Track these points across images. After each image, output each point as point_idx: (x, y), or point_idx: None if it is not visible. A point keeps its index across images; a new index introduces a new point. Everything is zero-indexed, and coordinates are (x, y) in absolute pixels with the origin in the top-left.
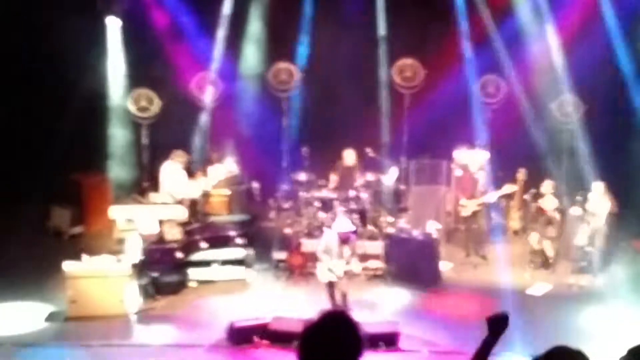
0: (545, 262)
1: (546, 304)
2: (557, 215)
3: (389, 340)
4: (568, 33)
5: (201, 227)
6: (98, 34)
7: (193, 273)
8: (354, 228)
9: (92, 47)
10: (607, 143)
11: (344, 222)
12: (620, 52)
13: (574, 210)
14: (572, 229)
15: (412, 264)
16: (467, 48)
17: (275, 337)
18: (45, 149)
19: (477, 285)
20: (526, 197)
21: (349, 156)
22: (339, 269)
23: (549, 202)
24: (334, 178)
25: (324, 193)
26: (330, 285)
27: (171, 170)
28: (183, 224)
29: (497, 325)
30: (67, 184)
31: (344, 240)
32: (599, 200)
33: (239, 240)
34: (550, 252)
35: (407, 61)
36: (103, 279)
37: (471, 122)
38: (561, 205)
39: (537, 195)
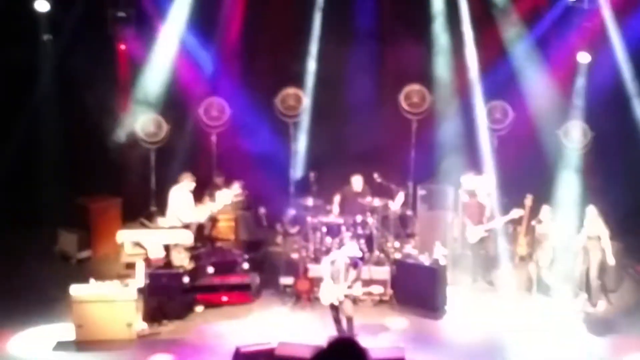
0: (545, 289)
1: (552, 331)
2: (554, 241)
3: None
4: (576, 59)
5: (208, 252)
6: (107, 58)
7: (199, 298)
8: (360, 253)
9: (102, 72)
10: (615, 169)
11: (352, 247)
12: (628, 77)
13: (579, 236)
14: (576, 255)
15: (419, 290)
16: (474, 74)
17: None
18: (53, 172)
19: (483, 311)
20: (533, 222)
21: (357, 182)
22: (341, 292)
23: (546, 228)
24: (337, 200)
25: (331, 218)
26: (334, 309)
27: (179, 194)
28: (190, 249)
29: None
30: (74, 208)
31: (353, 265)
32: (595, 223)
33: (245, 265)
34: (549, 278)
35: (414, 87)
36: (110, 303)
37: (478, 147)
38: (563, 230)
39: (540, 221)
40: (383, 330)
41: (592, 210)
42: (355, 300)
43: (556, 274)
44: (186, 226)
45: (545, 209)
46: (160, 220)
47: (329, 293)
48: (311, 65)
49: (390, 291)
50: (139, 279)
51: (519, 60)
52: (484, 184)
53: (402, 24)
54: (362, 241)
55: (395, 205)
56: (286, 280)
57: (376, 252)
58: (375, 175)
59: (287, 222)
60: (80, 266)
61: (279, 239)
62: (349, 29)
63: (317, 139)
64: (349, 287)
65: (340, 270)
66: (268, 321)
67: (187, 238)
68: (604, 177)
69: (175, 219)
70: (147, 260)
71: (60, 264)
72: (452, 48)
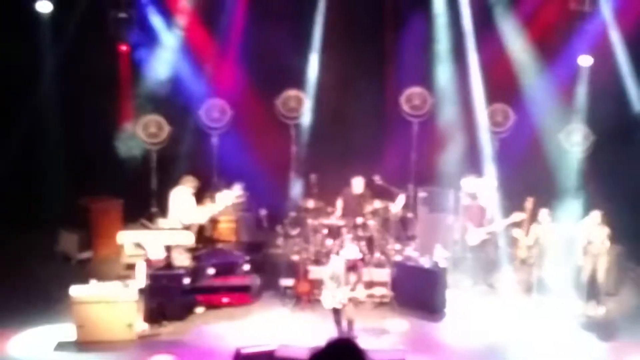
0: (547, 291)
1: (552, 334)
2: (554, 243)
3: None
4: (577, 63)
5: (208, 253)
6: (108, 60)
7: (200, 299)
8: (360, 255)
9: (102, 73)
10: (617, 172)
11: (351, 249)
12: (629, 81)
13: (581, 240)
14: (576, 258)
15: (419, 292)
16: (476, 76)
17: None
18: (54, 173)
19: (483, 313)
20: (533, 225)
21: (358, 184)
22: (344, 295)
23: (547, 231)
24: (340, 204)
25: (332, 220)
26: (336, 312)
27: (180, 195)
28: (190, 250)
29: None
30: (75, 209)
31: (351, 267)
32: (598, 228)
33: (246, 267)
34: (549, 281)
35: (415, 90)
36: (111, 304)
37: (479, 150)
38: (564, 233)
39: (539, 224)
40: (383, 333)
41: (595, 215)
42: (356, 302)
43: (556, 277)
44: (187, 227)
45: (543, 212)
46: (161, 222)
47: (331, 297)
48: (313, 67)
49: (390, 293)
50: (140, 279)
51: (520, 63)
52: (485, 187)
53: (405, 25)
54: (363, 243)
55: (396, 207)
56: (286, 282)
57: (377, 254)
58: (376, 178)
59: (287, 223)
60: (81, 267)
61: (280, 241)
62: (351, 30)
63: (318, 140)
64: (351, 290)
65: (341, 274)
66: (268, 323)
67: (188, 239)
68: (605, 180)
69: (176, 220)
70: (148, 261)
71: (61, 265)
72: (453, 50)
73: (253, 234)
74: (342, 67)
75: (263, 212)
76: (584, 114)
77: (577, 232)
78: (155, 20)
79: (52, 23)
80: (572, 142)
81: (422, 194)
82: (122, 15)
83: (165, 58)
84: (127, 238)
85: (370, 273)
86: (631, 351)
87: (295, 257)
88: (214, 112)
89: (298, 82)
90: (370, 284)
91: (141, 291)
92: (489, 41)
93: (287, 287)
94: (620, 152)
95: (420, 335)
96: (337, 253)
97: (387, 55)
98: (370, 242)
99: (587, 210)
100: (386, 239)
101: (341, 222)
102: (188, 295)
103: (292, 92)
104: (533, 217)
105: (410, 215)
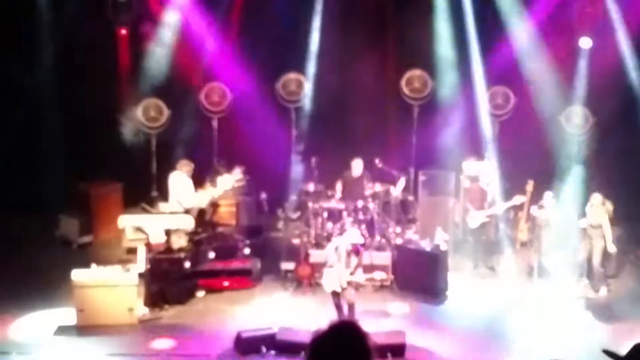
0: (547, 273)
1: (553, 316)
2: (555, 225)
3: (396, 351)
4: (578, 44)
5: (209, 237)
6: (107, 44)
7: (201, 283)
8: (362, 240)
9: (101, 57)
10: (617, 154)
11: (355, 234)
12: (630, 62)
13: (581, 222)
14: (577, 240)
15: (420, 275)
16: (477, 58)
17: (283, 347)
18: (54, 158)
19: (484, 296)
20: (533, 208)
21: (357, 166)
22: (344, 278)
23: (548, 213)
24: (339, 187)
25: (332, 203)
26: (336, 295)
27: (179, 179)
28: (191, 234)
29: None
30: (76, 193)
31: (354, 251)
32: (598, 211)
33: (246, 250)
34: (550, 264)
35: (415, 72)
36: (111, 288)
37: (480, 133)
38: (565, 216)
39: (542, 207)
40: (384, 315)
41: (596, 198)
42: (356, 286)
43: (557, 260)
44: (187, 211)
45: (547, 195)
46: (161, 205)
47: (331, 280)
48: (313, 50)
49: (391, 276)
50: (140, 263)
51: (521, 45)
52: (485, 170)
53: (405, 8)
54: (364, 227)
55: (397, 190)
56: (287, 265)
57: (377, 238)
58: (377, 161)
59: (288, 207)
60: (82, 251)
61: (280, 224)
62: (351, 12)
63: (319, 123)
64: (351, 273)
65: (342, 257)
66: (269, 306)
67: (188, 223)
68: (605, 163)
69: (177, 204)
70: (149, 245)
71: (62, 249)
72: (454, 32)
73: (253, 218)
74: (343, 50)
75: (263, 195)
76: (584, 95)
77: (577, 215)
78: (155, 2)
79: (51, 6)
80: (572, 124)
81: (422, 177)
82: None
83: (165, 41)
84: (127, 222)
85: (370, 256)
86: (631, 333)
87: (296, 241)
88: (214, 95)
89: (298, 65)
90: (370, 268)
91: (142, 275)
92: (491, 23)
93: (287, 271)
94: (620, 135)
95: (421, 318)
96: (339, 236)
97: (388, 37)
98: (370, 225)
99: (587, 192)
100: (387, 222)
101: (342, 206)
102: (189, 279)
103: (292, 75)
104: (533, 200)
105: (410, 198)
